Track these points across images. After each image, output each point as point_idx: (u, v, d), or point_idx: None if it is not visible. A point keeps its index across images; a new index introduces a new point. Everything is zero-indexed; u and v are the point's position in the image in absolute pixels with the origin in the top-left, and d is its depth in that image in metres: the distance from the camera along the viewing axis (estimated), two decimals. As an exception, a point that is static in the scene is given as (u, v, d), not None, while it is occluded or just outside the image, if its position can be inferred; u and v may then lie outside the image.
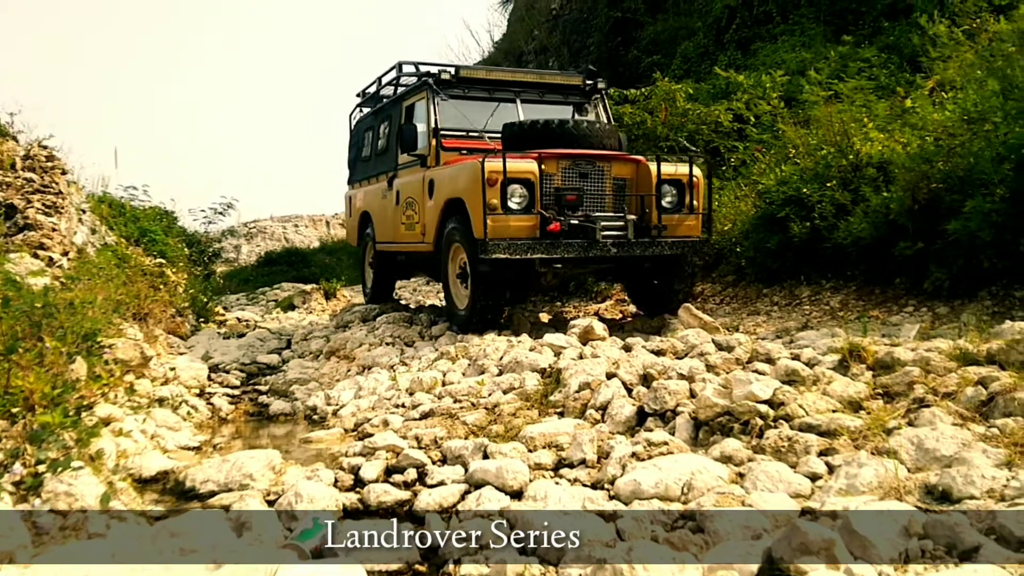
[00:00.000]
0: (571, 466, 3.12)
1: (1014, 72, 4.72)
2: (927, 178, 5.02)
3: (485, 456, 3.23)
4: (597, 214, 5.80)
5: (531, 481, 2.93)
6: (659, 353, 4.46)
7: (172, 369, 5.77)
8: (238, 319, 8.96)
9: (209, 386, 6.07)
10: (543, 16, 15.06)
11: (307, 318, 9.30)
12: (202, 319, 8.53)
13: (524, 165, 5.63)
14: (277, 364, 6.94)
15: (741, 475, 2.67)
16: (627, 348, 4.70)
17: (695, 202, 6.03)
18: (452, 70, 7.04)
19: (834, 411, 2.94)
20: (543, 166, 5.68)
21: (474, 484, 2.95)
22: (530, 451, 3.25)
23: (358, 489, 3.10)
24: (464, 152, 6.62)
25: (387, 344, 6.47)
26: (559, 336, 4.97)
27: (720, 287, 6.86)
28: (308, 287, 10.61)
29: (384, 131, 8.20)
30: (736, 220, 6.98)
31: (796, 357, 3.62)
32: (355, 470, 3.27)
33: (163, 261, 8.19)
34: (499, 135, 6.62)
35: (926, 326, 4.18)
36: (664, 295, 6.33)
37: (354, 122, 9.48)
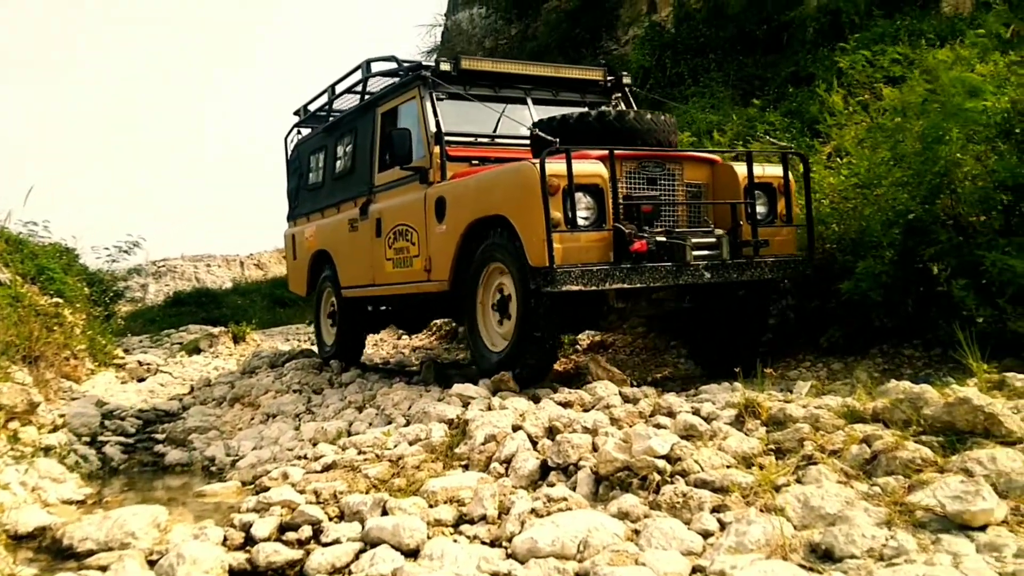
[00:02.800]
0: (472, 522, 3.07)
1: (903, 142, 5.00)
2: (822, 239, 5.25)
3: (384, 512, 3.15)
4: (679, 230, 4.80)
5: (429, 539, 2.87)
6: (566, 405, 4.47)
7: (62, 416, 5.50)
8: (139, 362, 8.63)
9: (102, 434, 5.81)
10: (466, 66, 15.29)
11: (213, 362, 9.03)
12: (100, 362, 8.18)
13: (590, 167, 4.57)
14: (177, 411, 6.69)
15: (637, 532, 2.68)
16: (535, 399, 4.70)
17: (791, 210, 5.07)
18: (451, 62, 5.79)
19: (728, 467, 2.99)
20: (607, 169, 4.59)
21: (370, 542, 2.87)
22: (431, 506, 3.20)
23: (248, 548, 2.98)
24: (475, 163, 5.51)
25: (294, 391, 6.34)
26: (468, 386, 4.94)
27: (631, 338, 6.96)
28: (216, 330, 10.32)
29: (345, 149, 6.88)
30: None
31: (696, 411, 3.68)
32: (246, 527, 3.15)
33: (60, 301, 7.85)
34: (516, 142, 5.65)
35: (818, 385, 4.32)
36: (751, 341, 5.08)
37: (291, 145, 8.13)
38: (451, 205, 5.25)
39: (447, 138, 5.54)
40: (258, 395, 6.40)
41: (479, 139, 5.76)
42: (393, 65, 6.38)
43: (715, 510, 2.71)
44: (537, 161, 4.44)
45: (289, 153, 8.19)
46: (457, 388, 4.90)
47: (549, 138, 4.90)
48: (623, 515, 2.83)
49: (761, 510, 2.56)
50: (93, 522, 3.17)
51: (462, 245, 5.14)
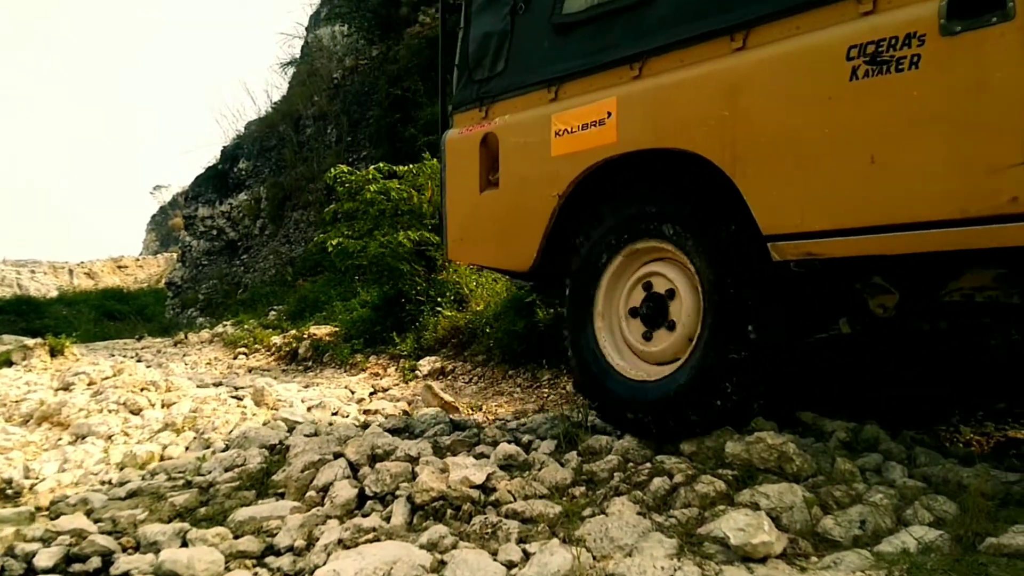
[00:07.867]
0: (278, 554, 2.97)
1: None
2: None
3: (185, 543, 2.99)
4: None
5: (228, 571, 2.75)
6: (395, 432, 4.43)
7: None
8: (-62, 375, 7.84)
9: None
10: (324, 83, 15.02)
11: (24, 376, 8.33)
12: None
13: None
14: (-24, 429, 6.11)
15: (443, 563, 2.67)
16: (364, 425, 4.63)
17: None
18: None
19: (540, 497, 3.04)
20: None
21: (162, 575, 2.71)
22: (236, 537, 3.06)
23: (23, 582, 2.75)
24: None
25: (110, 411, 5.94)
26: (295, 410, 4.81)
27: (470, 366, 7.00)
28: (32, 342, 9.55)
29: None
30: (490, 301, 7.21)
31: (517, 441, 3.73)
32: (28, 557, 2.91)
33: None
34: None
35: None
36: None
37: None
38: None
39: None
40: (70, 413, 5.95)
41: None
42: None
43: (522, 540, 2.74)
44: None
45: None
46: (284, 412, 4.76)
47: None
48: (432, 546, 2.80)
49: (564, 540, 2.61)
50: None
51: None
